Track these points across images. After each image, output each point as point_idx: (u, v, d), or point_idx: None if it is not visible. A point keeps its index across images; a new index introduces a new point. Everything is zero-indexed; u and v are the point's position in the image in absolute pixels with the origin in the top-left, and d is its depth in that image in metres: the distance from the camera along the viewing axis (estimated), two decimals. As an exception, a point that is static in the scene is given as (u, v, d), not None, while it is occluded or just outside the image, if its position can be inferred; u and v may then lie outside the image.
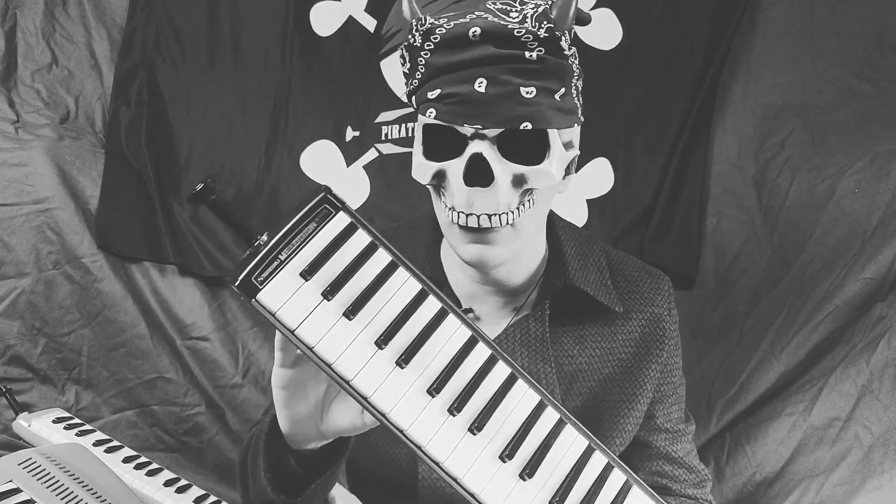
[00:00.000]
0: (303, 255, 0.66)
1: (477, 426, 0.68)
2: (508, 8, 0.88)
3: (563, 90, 0.89)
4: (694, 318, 1.75)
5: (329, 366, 0.66)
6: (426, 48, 0.88)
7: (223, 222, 0.74)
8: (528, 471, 0.69)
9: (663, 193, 1.83)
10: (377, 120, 1.95)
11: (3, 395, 1.74)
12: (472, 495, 0.67)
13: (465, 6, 0.88)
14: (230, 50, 1.99)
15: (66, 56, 1.98)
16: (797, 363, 1.63)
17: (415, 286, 0.71)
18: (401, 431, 0.66)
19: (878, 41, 1.70)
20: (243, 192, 1.98)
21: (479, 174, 0.85)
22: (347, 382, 0.66)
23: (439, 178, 0.90)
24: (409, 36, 0.90)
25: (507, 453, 0.68)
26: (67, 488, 1.03)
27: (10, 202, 1.86)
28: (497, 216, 0.86)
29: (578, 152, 0.96)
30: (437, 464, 0.66)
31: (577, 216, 1.88)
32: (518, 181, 0.88)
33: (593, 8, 1.88)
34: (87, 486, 1.07)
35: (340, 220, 0.68)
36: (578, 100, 0.93)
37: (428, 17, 0.88)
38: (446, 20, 0.87)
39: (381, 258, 0.70)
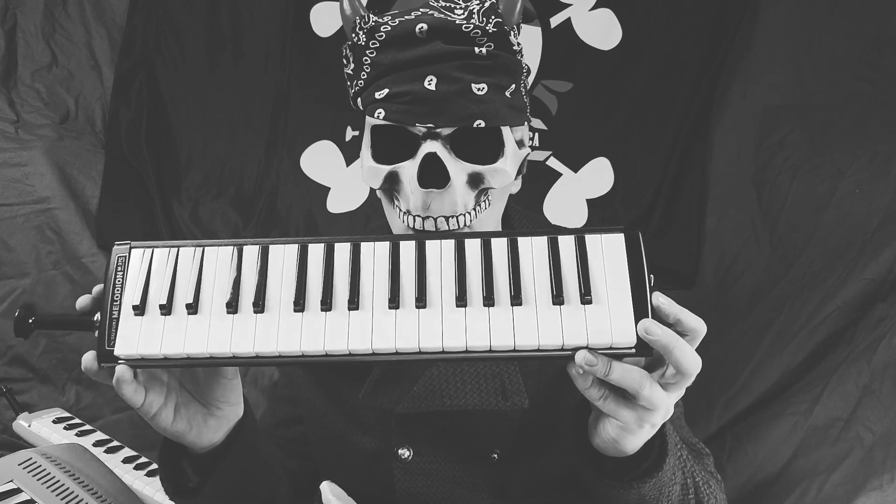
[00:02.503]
0: (127, 300, 0.72)
1: (351, 303, 0.70)
2: (453, 5, 0.86)
3: (513, 87, 0.87)
4: (694, 317, 1.74)
5: (210, 358, 0.70)
6: (371, 47, 0.86)
7: (60, 329, 0.79)
8: (422, 301, 0.70)
9: (663, 193, 1.83)
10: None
11: (3, 395, 1.74)
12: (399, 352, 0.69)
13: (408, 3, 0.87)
14: (230, 50, 1.99)
15: (66, 56, 1.98)
16: (798, 363, 1.63)
17: (227, 250, 0.74)
18: (307, 356, 0.69)
19: (877, 41, 1.70)
20: (243, 192, 1.98)
21: (433, 175, 0.83)
22: (235, 358, 0.70)
23: (391, 181, 0.88)
24: (353, 35, 0.88)
25: (391, 298, 0.70)
26: (67, 488, 1.03)
27: (10, 202, 1.86)
28: (454, 218, 0.85)
29: (530, 151, 0.95)
30: (349, 354, 0.69)
31: (577, 216, 1.88)
32: (474, 181, 0.86)
33: (593, 8, 1.88)
34: (87, 486, 1.07)
35: (136, 255, 0.74)
36: (526, 98, 0.92)
37: (371, 15, 0.86)
38: (390, 17, 0.85)
39: (186, 254, 0.74)
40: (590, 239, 0.71)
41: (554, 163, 1.88)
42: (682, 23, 1.84)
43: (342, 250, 0.73)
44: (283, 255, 0.73)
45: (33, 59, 1.96)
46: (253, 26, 1.98)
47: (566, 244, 0.71)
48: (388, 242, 0.73)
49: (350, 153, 1.96)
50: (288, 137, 1.98)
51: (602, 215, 1.87)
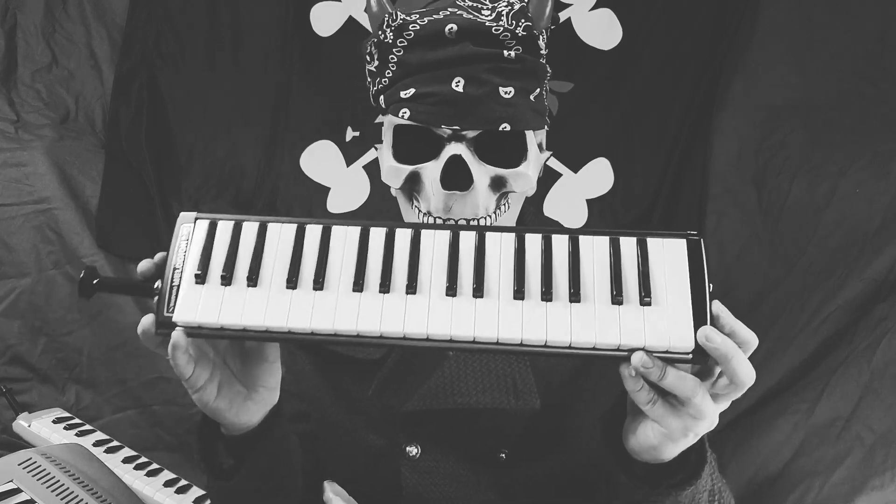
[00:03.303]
0: (189, 269, 0.73)
1: (409, 288, 0.70)
2: (480, 6, 0.86)
3: (538, 90, 0.87)
4: (695, 318, 1.74)
5: (266, 332, 0.70)
6: (399, 45, 0.85)
7: (121, 293, 0.80)
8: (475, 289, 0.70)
9: (663, 193, 1.83)
10: (377, 120, 1.95)
11: (3, 395, 1.74)
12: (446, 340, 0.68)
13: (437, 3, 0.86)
14: (230, 50, 1.99)
15: (66, 56, 1.98)
16: (799, 363, 1.63)
17: (290, 228, 0.74)
18: (363, 336, 0.69)
19: (878, 41, 1.70)
20: (243, 192, 1.98)
21: (456, 177, 0.83)
22: (290, 333, 0.70)
23: (412, 181, 0.87)
24: (379, 32, 0.87)
25: (449, 286, 0.70)
26: (67, 488, 1.03)
27: (10, 202, 1.86)
28: (475, 221, 0.85)
29: (549, 154, 0.95)
30: (402, 337, 0.69)
31: (577, 216, 1.88)
32: (496, 184, 0.86)
33: (593, 8, 1.88)
34: (87, 486, 1.07)
35: (201, 226, 0.75)
36: (547, 100, 0.92)
37: (399, 13, 0.86)
38: (418, 16, 0.85)
39: (250, 229, 0.74)
40: (651, 242, 0.70)
41: (554, 163, 1.88)
42: (682, 23, 1.84)
43: (403, 236, 0.73)
44: (345, 238, 0.73)
45: (33, 59, 1.96)
46: (253, 26, 1.98)
47: (627, 245, 0.71)
48: (448, 231, 0.73)
49: (350, 153, 1.96)
50: (288, 137, 1.98)
51: (602, 215, 1.87)
